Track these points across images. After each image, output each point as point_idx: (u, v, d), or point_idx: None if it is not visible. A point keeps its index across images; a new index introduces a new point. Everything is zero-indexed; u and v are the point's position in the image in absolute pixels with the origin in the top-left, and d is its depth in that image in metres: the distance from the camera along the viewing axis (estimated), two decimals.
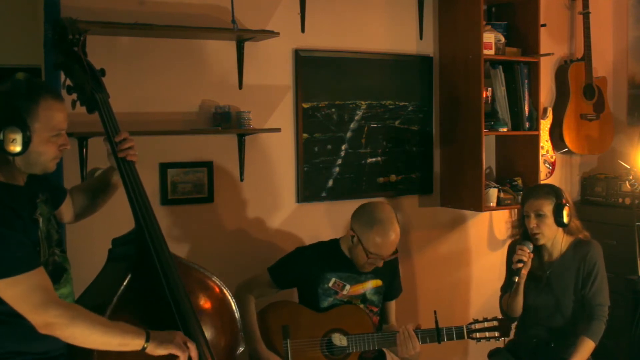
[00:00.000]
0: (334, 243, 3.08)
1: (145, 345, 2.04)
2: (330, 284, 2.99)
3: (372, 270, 3.01)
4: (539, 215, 3.05)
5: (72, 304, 2.10)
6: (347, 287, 3.01)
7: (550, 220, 3.05)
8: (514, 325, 3.22)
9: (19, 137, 1.95)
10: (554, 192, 3.09)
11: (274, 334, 2.91)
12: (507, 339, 3.10)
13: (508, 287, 3.09)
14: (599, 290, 3.06)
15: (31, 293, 1.92)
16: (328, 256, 3.04)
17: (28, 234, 1.99)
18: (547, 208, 3.05)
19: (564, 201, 3.05)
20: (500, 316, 3.07)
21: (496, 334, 2.96)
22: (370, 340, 2.92)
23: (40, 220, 2.09)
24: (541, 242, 3.09)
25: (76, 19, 2.34)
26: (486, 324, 2.96)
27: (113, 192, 2.48)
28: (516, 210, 3.73)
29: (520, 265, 3.00)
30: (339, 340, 2.91)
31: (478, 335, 2.96)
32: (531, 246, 3.04)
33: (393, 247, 2.92)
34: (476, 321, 2.97)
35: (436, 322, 2.91)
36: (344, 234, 3.07)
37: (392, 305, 3.20)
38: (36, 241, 2.03)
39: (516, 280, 3.00)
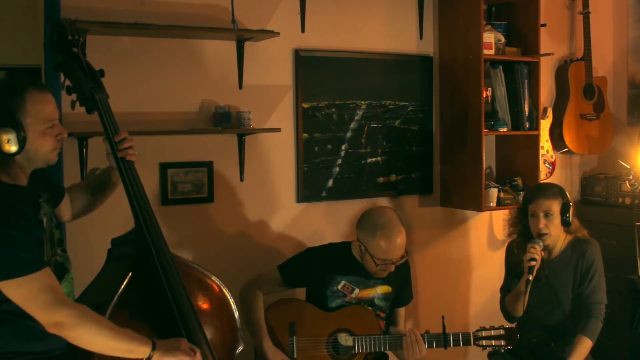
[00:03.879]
0: (346, 246, 3.05)
1: (151, 354, 2.03)
2: (340, 287, 2.97)
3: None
4: (548, 215, 3.04)
5: (81, 304, 2.10)
6: (356, 291, 2.99)
7: (557, 220, 3.06)
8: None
9: (13, 137, 1.93)
10: (560, 191, 3.10)
11: (280, 331, 2.90)
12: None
13: (524, 286, 2.98)
14: (596, 288, 3.06)
15: (40, 293, 1.91)
16: (339, 259, 3.01)
17: (33, 235, 1.99)
18: (556, 208, 3.05)
19: (569, 201, 3.07)
20: (498, 315, 3.05)
21: (502, 342, 2.95)
22: (376, 341, 2.91)
23: (44, 220, 2.09)
24: (547, 242, 3.08)
25: (76, 19, 2.34)
26: (493, 332, 2.95)
27: (112, 190, 2.47)
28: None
29: (533, 263, 2.96)
30: (345, 340, 2.91)
31: (484, 342, 2.95)
32: (542, 244, 3.02)
33: (400, 250, 2.88)
34: (483, 328, 2.97)
35: (443, 327, 2.91)
36: (354, 239, 3.01)
37: (402, 312, 3.17)
38: (41, 241, 2.03)
39: (530, 279, 2.95)
